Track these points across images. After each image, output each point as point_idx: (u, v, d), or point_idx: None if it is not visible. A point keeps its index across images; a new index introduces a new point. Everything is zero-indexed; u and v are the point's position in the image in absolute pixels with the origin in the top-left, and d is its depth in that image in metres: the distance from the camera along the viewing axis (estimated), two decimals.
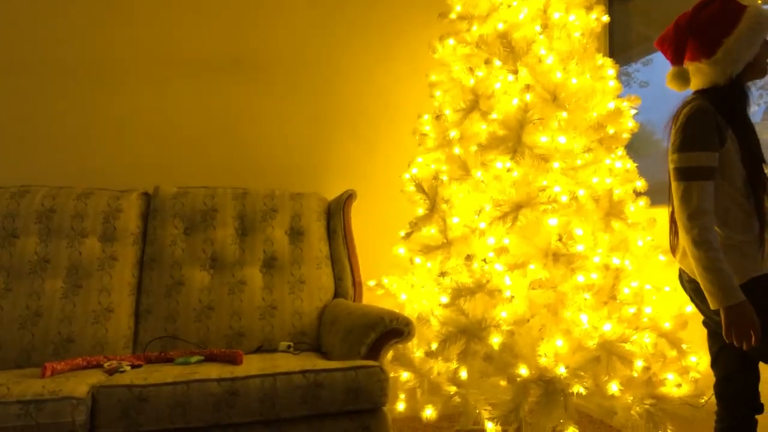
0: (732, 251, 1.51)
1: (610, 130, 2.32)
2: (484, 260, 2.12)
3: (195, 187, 2.52)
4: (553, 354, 1.98)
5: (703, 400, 1.94)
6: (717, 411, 1.66)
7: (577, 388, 1.94)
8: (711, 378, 1.84)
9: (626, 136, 2.35)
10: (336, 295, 2.49)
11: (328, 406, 1.75)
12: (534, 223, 2.16)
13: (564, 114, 2.25)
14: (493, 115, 2.32)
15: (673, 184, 1.55)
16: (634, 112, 2.40)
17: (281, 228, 2.52)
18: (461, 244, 2.25)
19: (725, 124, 1.54)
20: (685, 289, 1.68)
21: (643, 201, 2.31)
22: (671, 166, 1.56)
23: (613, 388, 1.96)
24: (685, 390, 1.95)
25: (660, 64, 2.98)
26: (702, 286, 1.49)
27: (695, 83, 1.66)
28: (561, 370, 1.94)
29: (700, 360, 2.03)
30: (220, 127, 2.80)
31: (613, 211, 2.22)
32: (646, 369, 1.97)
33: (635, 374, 1.98)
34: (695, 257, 1.48)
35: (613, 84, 2.40)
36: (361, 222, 2.70)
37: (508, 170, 2.24)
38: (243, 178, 2.76)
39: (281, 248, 2.48)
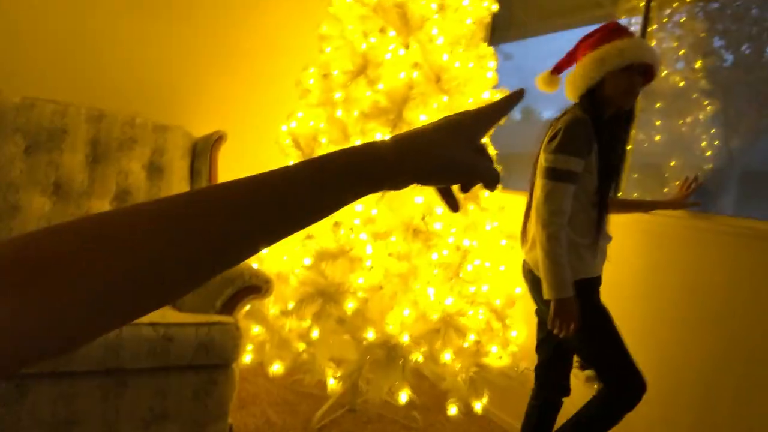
0: (569, 251, 1.71)
1: None
2: (351, 228, 2.18)
3: (42, 100, 2.24)
4: (399, 323, 2.13)
5: (517, 371, 2.23)
6: (533, 389, 1.93)
7: (417, 356, 2.12)
8: (527, 351, 2.12)
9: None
10: None
11: (176, 360, 1.72)
12: (402, 197, 2.26)
13: (444, 98, 2.34)
14: (380, 85, 2.34)
15: (542, 181, 1.69)
16: None
17: (139, 161, 2.35)
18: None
19: (594, 136, 1.70)
20: (525, 280, 1.89)
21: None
22: (545, 164, 1.69)
23: (446, 356, 2.17)
24: (504, 361, 2.23)
25: (533, 45, 3.21)
26: (542, 276, 1.69)
27: (568, 90, 1.81)
28: (405, 338, 2.10)
29: (519, 334, 2.32)
30: (80, 35, 2.48)
31: (470, 194, 2.40)
32: (476, 342, 2.21)
33: (466, 345, 2.21)
34: (544, 249, 1.66)
35: (491, 75, 2.54)
36: (228, 166, 2.61)
37: None
38: (99, 98, 2.50)
39: (137, 183, 2.31)
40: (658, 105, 2.87)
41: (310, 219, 0.41)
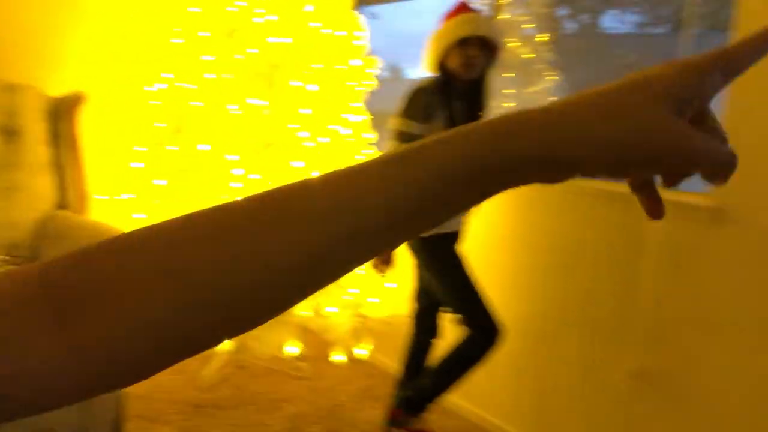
0: None
1: (352, 84, 2.60)
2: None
3: None
4: None
5: (394, 319, 2.44)
6: (411, 334, 2.14)
7: (302, 310, 2.24)
8: (405, 302, 2.33)
9: (365, 91, 2.65)
10: (59, 207, 2.27)
11: None
12: (282, 162, 2.33)
13: (315, 65, 2.43)
14: (251, 50, 2.35)
15: (389, 143, 1.91)
16: (374, 71, 2.71)
17: None
18: (207, 172, 2.29)
19: (439, 103, 1.90)
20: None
21: (372, 150, 2.67)
22: (391, 127, 1.91)
23: (331, 310, 2.32)
24: (385, 311, 2.43)
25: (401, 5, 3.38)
26: None
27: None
28: None
29: (399, 286, 2.52)
30: None
31: (344, 159, 2.53)
32: (359, 294, 2.38)
33: (350, 298, 2.37)
34: None
35: (361, 43, 2.66)
36: (91, 129, 2.47)
37: (261, 107, 2.33)
38: None
39: None
40: (508, 74, 3.19)
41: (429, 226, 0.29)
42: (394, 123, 1.88)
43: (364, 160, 0.29)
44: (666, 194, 0.30)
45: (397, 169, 0.28)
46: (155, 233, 0.27)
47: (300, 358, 2.39)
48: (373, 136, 2.65)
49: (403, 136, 1.86)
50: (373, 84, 2.68)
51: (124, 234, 0.28)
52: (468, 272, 1.96)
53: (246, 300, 0.27)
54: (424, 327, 2.13)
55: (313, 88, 2.47)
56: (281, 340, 2.30)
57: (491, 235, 2.39)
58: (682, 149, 0.28)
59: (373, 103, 2.73)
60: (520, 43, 3.15)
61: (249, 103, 2.32)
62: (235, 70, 2.34)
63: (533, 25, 3.25)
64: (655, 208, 0.31)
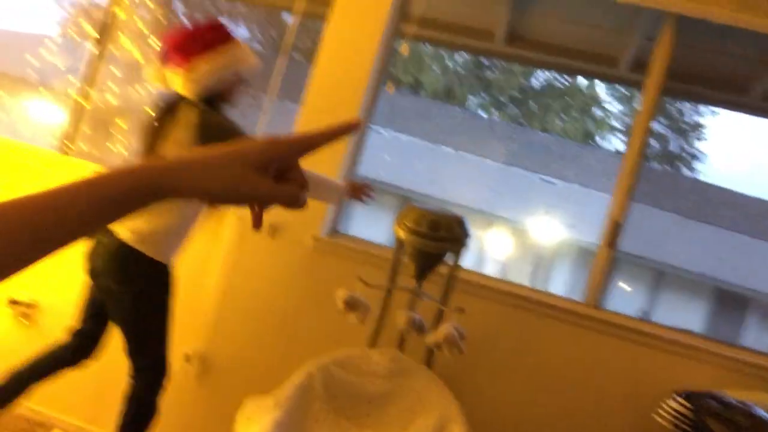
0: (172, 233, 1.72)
1: None
2: None
3: None
4: None
5: None
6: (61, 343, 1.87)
7: None
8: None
9: None
10: None
11: None
12: None
13: None
14: None
15: None
16: None
17: None
18: None
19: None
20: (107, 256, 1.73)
21: None
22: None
23: None
24: None
25: None
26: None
27: (188, 88, 1.69)
28: None
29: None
30: None
31: None
32: None
33: None
34: None
35: None
36: None
37: None
38: None
39: None
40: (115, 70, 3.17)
41: (94, 228, 0.44)
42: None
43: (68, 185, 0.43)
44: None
45: (86, 193, 0.43)
46: None
47: None
48: None
49: None
50: None
51: None
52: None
53: None
54: (79, 346, 1.86)
55: None
56: None
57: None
58: (252, 192, 0.46)
59: None
60: (130, 41, 3.19)
61: None
62: None
63: (145, 28, 3.34)
64: (255, 222, 0.51)
